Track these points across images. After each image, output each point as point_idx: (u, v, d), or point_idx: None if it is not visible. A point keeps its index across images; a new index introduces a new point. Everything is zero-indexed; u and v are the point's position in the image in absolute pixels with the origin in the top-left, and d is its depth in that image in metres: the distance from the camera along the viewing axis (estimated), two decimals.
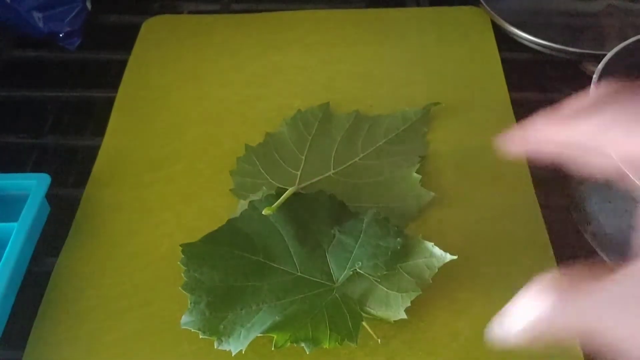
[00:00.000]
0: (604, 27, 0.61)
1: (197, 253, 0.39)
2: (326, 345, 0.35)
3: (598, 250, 0.41)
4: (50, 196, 0.45)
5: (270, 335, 0.36)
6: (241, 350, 0.36)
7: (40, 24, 0.58)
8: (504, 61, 0.56)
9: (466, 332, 0.39)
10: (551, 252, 0.42)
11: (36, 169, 0.50)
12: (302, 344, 0.35)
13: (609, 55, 0.44)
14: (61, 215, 0.45)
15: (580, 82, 0.50)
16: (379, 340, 0.38)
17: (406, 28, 0.60)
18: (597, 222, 0.40)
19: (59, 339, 0.39)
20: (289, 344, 0.35)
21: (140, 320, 0.40)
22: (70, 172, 0.49)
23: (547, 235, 0.43)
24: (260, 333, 0.36)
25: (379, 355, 0.38)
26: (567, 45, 0.58)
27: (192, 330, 0.37)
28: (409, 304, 0.37)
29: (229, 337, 0.36)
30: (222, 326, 0.36)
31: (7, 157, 0.50)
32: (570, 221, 0.43)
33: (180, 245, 0.39)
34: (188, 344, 0.38)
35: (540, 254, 0.42)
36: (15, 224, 0.41)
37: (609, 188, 0.39)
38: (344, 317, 0.36)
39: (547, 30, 0.59)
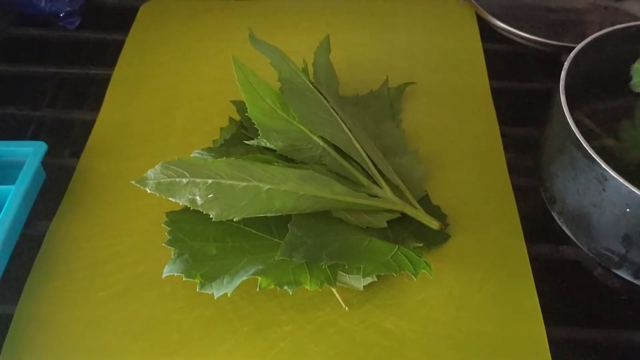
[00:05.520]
0: (585, 22, 0.63)
1: (180, 219, 0.41)
2: (308, 287, 0.38)
3: (563, 227, 0.44)
4: (46, 165, 0.47)
5: (255, 277, 0.37)
6: (226, 293, 0.37)
7: (42, 4, 0.60)
8: (487, 52, 0.59)
9: (435, 299, 0.41)
10: (520, 228, 0.45)
11: (34, 139, 0.52)
12: (285, 287, 0.37)
13: (580, 45, 0.46)
14: (56, 183, 0.48)
15: (559, 74, 0.52)
16: (346, 308, 0.40)
17: (394, 19, 0.62)
18: (562, 200, 0.43)
19: (50, 295, 0.41)
20: (272, 286, 0.37)
21: (127, 280, 0.42)
22: (67, 143, 0.51)
23: (517, 213, 0.46)
24: (245, 277, 0.37)
25: (352, 317, 0.40)
26: (549, 39, 0.60)
27: (175, 274, 0.38)
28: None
29: (211, 281, 0.37)
30: (204, 271, 0.38)
31: (6, 127, 0.53)
32: (539, 200, 0.46)
33: (165, 213, 0.41)
34: (172, 302, 0.41)
35: (509, 230, 0.45)
36: (12, 187, 0.43)
37: (573, 168, 0.40)
38: (322, 267, 0.38)
39: (530, 24, 0.62)
